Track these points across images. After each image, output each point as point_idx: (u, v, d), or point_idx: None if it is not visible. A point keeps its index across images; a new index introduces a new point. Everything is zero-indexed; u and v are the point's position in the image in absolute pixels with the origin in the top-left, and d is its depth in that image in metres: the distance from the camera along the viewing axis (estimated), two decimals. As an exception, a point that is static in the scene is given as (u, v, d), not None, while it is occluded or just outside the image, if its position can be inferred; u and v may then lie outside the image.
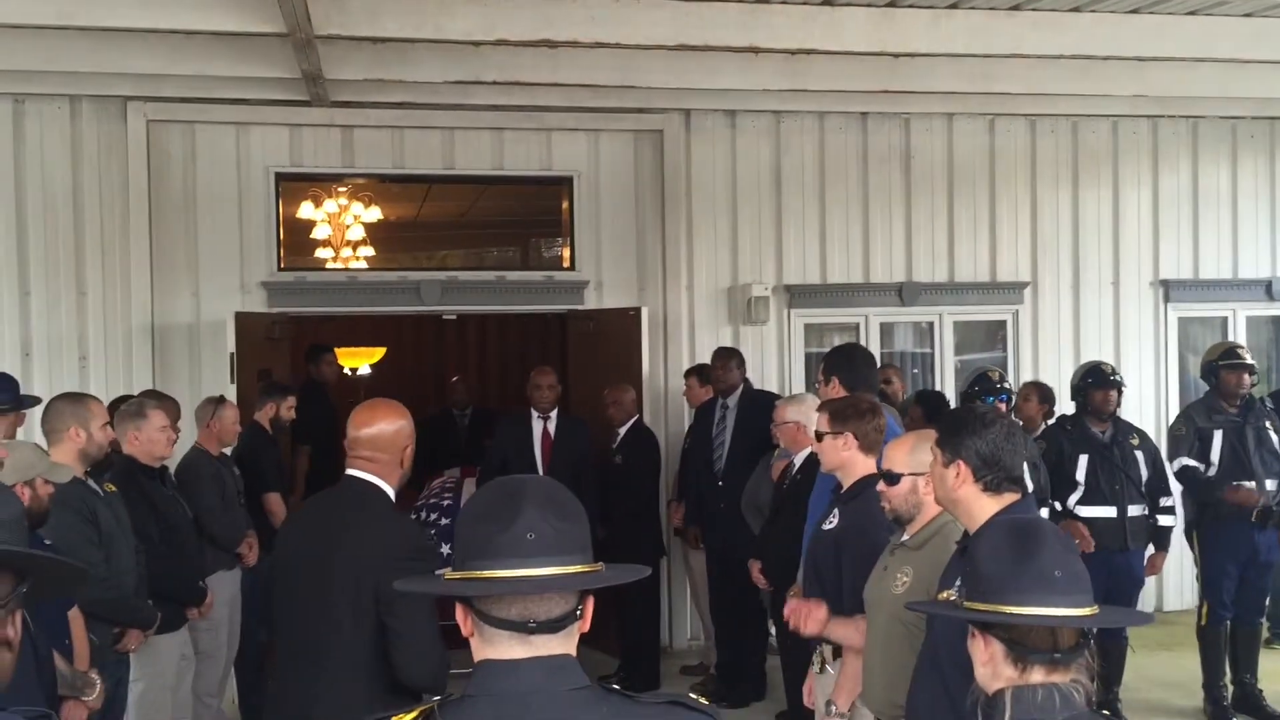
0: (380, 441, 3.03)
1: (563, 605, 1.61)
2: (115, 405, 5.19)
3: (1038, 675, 1.84)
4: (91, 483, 4.34)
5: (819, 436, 3.73)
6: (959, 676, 2.49)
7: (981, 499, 2.61)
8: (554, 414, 6.82)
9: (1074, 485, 6.01)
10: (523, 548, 1.58)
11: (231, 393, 6.46)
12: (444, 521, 6.87)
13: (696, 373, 7.21)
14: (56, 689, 3.29)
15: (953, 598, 2.35)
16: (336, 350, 11.34)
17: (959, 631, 2.50)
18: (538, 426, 6.80)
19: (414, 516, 6.76)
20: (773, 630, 6.17)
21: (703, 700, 1.66)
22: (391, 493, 3.06)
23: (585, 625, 1.67)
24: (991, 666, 1.88)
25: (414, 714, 1.58)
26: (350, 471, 3.05)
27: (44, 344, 6.87)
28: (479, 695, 1.58)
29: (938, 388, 7.77)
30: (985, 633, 1.88)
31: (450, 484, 7.46)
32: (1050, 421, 6.42)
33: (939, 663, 2.63)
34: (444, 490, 7.36)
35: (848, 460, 3.51)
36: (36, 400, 4.74)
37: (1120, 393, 6.14)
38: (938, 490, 2.71)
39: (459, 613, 1.65)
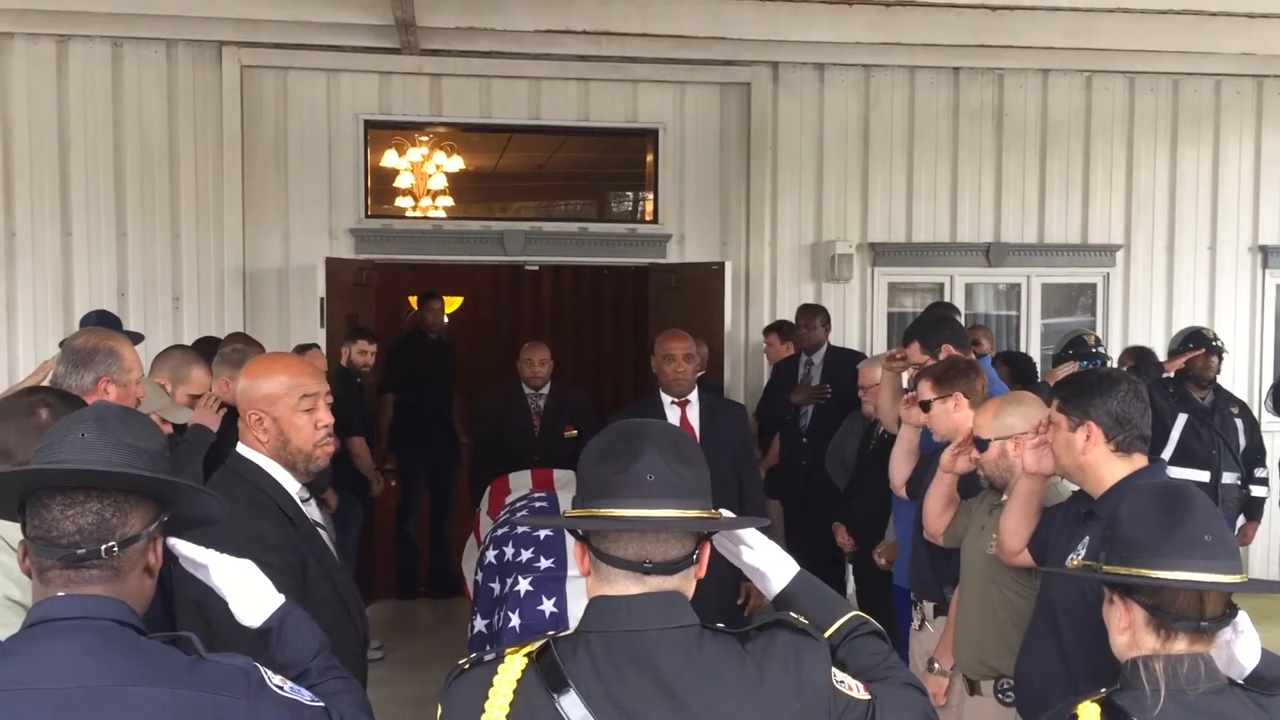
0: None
1: (679, 548, 1.62)
2: (201, 344, 5.27)
3: (1181, 644, 1.78)
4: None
5: (925, 406, 3.66)
6: (1079, 642, 2.47)
7: (1111, 461, 2.56)
8: (694, 395, 4.96)
9: (1165, 444, 5.89)
10: (642, 488, 1.59)
11: (321, 337, 6.58)
12: (544, 566, 4.50)
13: (777, 329, 7.17)
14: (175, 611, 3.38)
15: (1079, 563, 2.32)
16: (413, 298, 11.48)
17: (1079, 596, 2.47)
18: (674, 414, 4.89)
19: (493, 554, 4.71)
20: (851, 585, 6.15)
21: (801, 620, 1.67)
22: (281, 475, 2.49)
23: (701, 571, 1.68)
24: (1130, 634, 1.83)
25: (529, 648, 1.61)
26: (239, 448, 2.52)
27: (139, 284, 7.02)
28: (591, 630, 1.60)
29: (1022, 351, 7.64)
30: (1126, 598, 1.83)
31: (539, 497, 5.43)
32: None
33: (1056, 627, 2.59)
34: (531, 503, 5.31)
35: (961, 422, 3.46)
36: (140, 337, 4.83)
37: (1221, 359, 6.01)
38: (1063, 457, 2.64)
39: (577, 550, 1.67)
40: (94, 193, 6.96)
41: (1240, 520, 6.07)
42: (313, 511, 2.60)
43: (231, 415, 2.73)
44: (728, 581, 1.71)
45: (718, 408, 5.09)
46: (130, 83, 6.99)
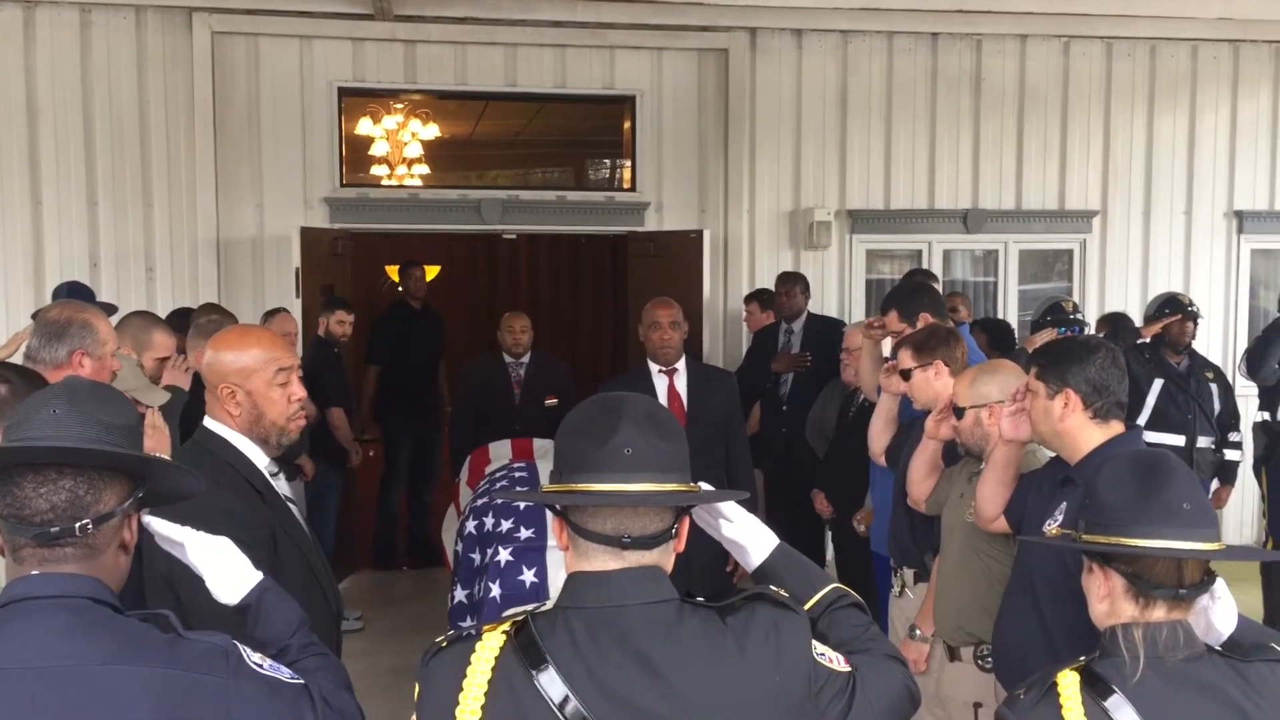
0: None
1: (658, 522, 1.62)
2: (175, 316, 5.23)
3: (1159, 612, 1.80)
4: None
5: (906, 374, 3.66)
6: (1057, 607, 2.48)
7: (1089, 428, 2.57)
8: (682, 364, 4.97)
9: (1141, 409, 5.92)
10: (619, 462, 1.58)
11: (296, 307, 6.52)
12: (524, 536, 4.45)
13: (757, 298, 7.17)
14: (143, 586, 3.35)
15: (1056, 530, 2.33)
16: (390, 267, 11.41)
17: (1057, 562, 2.48)
18: (661, 383, 4.88)
19: (473, 524, 4.67)
20: (830, 552, 6.18)
21: (781, 593, 1.67)
22: (250, 450, 2.47)
23: (680, 545, 1.68)
24: (1109, 602, 1.84)
25: (506, 624, 1.61)
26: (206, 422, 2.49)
27: (111, 255, 6.93)
28: (569, 606, 1.60)
29: (999, 318, 7.67)
30: (1105, 566, 1.84)
31: (519, 466, 5.33)
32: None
33: (1033, 593, 2.61)
34: (511, 473, 5.24)
35: (941, 390, 3.46)
36: (114, 308, 4.77)
37: (1196, 324, 6.06)
38: (1040, 424, 2.64)
39: (555, 525, 1.67)
40: (64, 162, 6.85)
41: (1214, 484, 6.14)
42: (282, 486, 2.57)
43: (200, 380, 2.70)
44: (716, 549, 1.71)
45: (706, 376, 5.03)
46: (99, 50, 6.86)
